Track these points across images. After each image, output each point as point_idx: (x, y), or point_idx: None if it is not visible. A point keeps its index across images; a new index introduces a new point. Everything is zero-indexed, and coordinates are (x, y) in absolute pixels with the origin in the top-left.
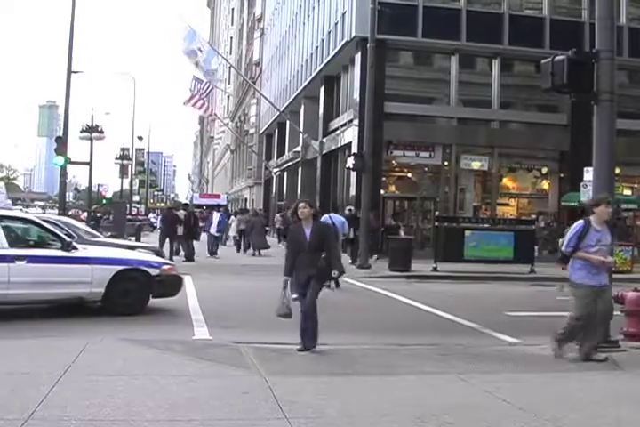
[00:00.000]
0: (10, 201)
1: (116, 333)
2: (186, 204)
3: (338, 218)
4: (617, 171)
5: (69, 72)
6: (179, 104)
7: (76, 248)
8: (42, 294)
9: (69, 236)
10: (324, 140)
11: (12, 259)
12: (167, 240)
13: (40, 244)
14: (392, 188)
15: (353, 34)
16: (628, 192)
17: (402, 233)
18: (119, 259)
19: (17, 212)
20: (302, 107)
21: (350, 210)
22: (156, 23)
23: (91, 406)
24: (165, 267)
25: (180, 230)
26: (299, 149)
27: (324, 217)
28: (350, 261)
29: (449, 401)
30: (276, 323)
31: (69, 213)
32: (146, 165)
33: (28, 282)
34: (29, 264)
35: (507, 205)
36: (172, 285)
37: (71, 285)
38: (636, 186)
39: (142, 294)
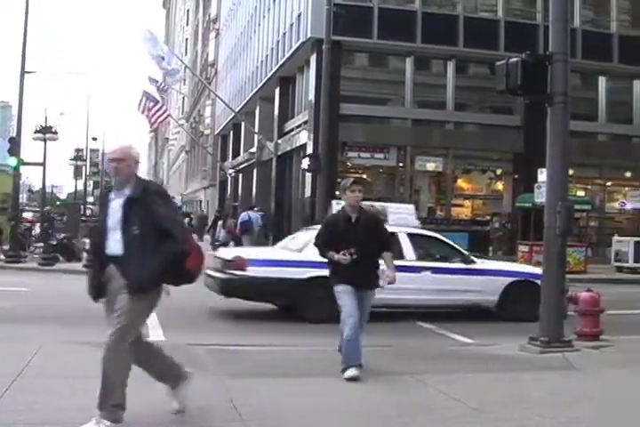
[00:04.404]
0: (418, 221)
1: (67, 335)
2: None
3: (254, 214)
4: (571, 172)
5: (23, 72)
6: (134, 105)
7: (474, 261)
8: (444, 300)
9: None
10: (280, 141)
11: (420, 270)
12: None
13: (443, 257)
14: None
15: (308, 35)
16: (581, 193)
17: None
18: (512, 271)
19: (423, 230)
20: (257, 108)
21: (261, 209)
22: (112, 24)
23: (44, 409)
24: None
25: None
26: (254, 150)
27: (243, 214)
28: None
29: (404, 402)
30: (231, 324)
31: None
32: (100, 167)
33: (433, 289)
34: (434, 275)
35: (461, 206)
36: None
37: (469, 293)
38: (589, 187)
39: (533, 302)
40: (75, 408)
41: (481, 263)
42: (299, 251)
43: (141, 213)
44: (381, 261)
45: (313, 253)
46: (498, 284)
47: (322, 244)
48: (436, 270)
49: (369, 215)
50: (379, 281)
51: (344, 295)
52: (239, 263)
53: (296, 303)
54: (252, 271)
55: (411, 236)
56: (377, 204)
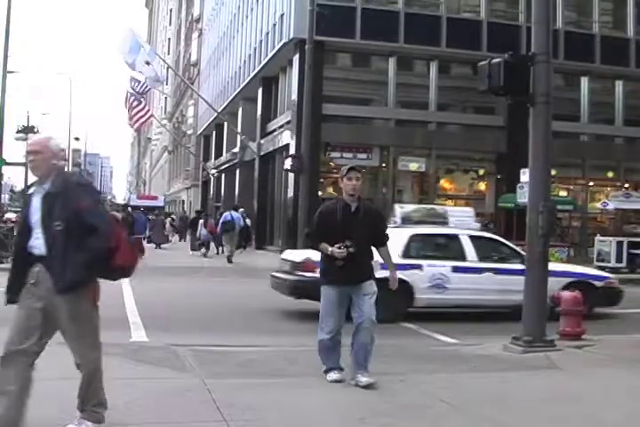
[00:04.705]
0: (478, 224)
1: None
2: (125, 205)
3: (236, 215)
4: (553, 172)
5: (5, 72)
6: (116, 105)
7: None
8: (505, 300)
9: None
10: (262, 141)
11: (481, 271)
12: None
13: (503, 258)
14: (330, 189)
15: (291, 35)
16: (563, 193)
17: None
18: (569, 272)
19: (483, 233)
20: (240, 108)
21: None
22: (95, 24)
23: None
24: (608, 280)
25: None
26: (236, 150)
27: (225, 213)
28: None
29: (389, 402)
30: (213, 325)
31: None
32: (83, 166)
33: (495, 290)
34: (495, 275)
35: (444, 206)
36: (613, 296)
37: None
38: (571, 187)
39: (589, 303)
40: (55, 410)
41: None
42: None
43: (63, 208)
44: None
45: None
46: (555, 284)
47: (315, 235)
48: (497, 271)
49: (369, 206)
50: (373, 272)
51: (330, 303)
52: (308, 265)
53: None
54: None
55: (472, 238)
56: (437, 207)
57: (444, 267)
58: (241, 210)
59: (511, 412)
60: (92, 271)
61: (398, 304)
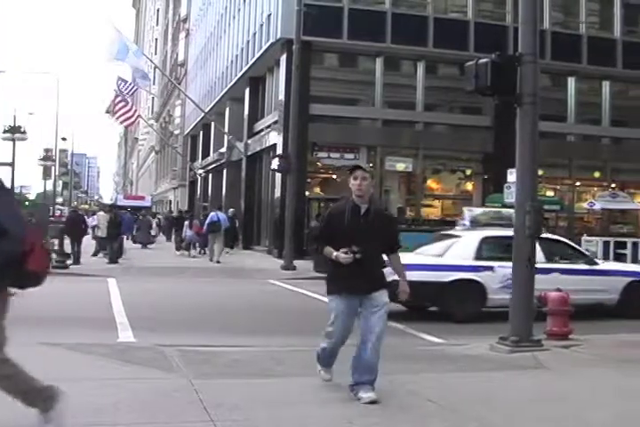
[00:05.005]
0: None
1: (36, 337)
2: (112, 205)
3: (222, 215)
4: (540, 172)
5: None
6: (103, 105)
7: (597, 262)
8: (572, 300)
9: None
10: (249, 141)
11: (549, 271)
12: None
13: (569, 259)
14: (317, 189)
15: (278, 35)
16: (550, 193)
17: None
18: (632, 271)
19: (550, 234)
20: (227, 108)
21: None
22: (82, 23)
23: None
24: None
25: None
26: (223, 150)
27: (211, 214)
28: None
29: (372, 403)
30: (200, 325)
31: None
32: (70, 167)
33: None
34: (562, 276)
35: (431, 206)
36: None
37: (593, 292)
38: (558, 187)
39: None
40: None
41: (603, 264)
42: (439, 256)
43: None
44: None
45: (453, 258)
46: (618, 283)
47: (322, 237)
48: (563, 272)
49: (380, 209)
50: (385, 280)
51: (336, 314)
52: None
53: (439, 305)
54: None
55: (540, 239)
56: (503, 210)
57: None
58: (231, 210)
59: (498, 412)
60: (2, 276)
61: (473, 305)
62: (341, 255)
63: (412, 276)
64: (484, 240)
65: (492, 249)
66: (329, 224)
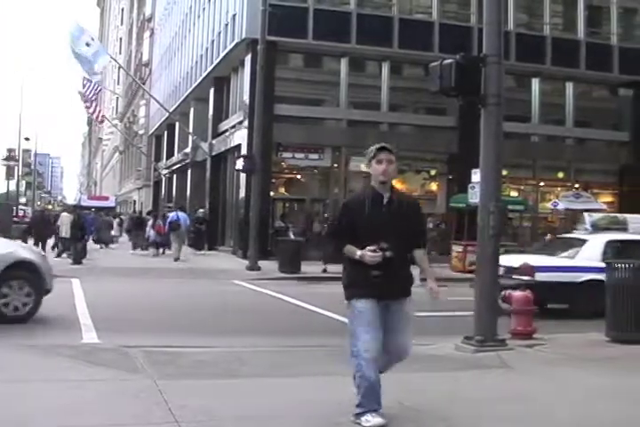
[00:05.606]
0: None
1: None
2: (75, 206)
3: (183, 215)
4: (504, 173)
5: None
6: (66, 105)
7: None
8: None
9: None
10: (214, 141)
11: None
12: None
13: None
14: (281, 189)
15: (243, 35)
16: (514, 194)
17: (291, 235)
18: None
19: None
20: (192, 108)
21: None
22: (45, 23)
23: None
24: None
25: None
26: (188, 150)
27: (172, 214)
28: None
29: (340, 402)
30: (165, 325)
31: None
32: (33, 167)
33: None
34: None
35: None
36: None
37: None
38: (522, 188)
39: None
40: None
41: None
42: (571, 258)
43: None
44: None
45: (583, 260)
46: None
47: (339, 234)
48: None
49: (405, 196)
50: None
51: (364, 324)
52: (527, 269)
53: (571, 303)
54: (538, 277)
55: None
56: (618, 215)
57: None
58: (201, 210)
59: (465, 412)
60: None
61: (601, 303)
62: (368, 254)
63: (549, 277)
64: (609, 243)
65: (616, 252)
66: (346, 217)
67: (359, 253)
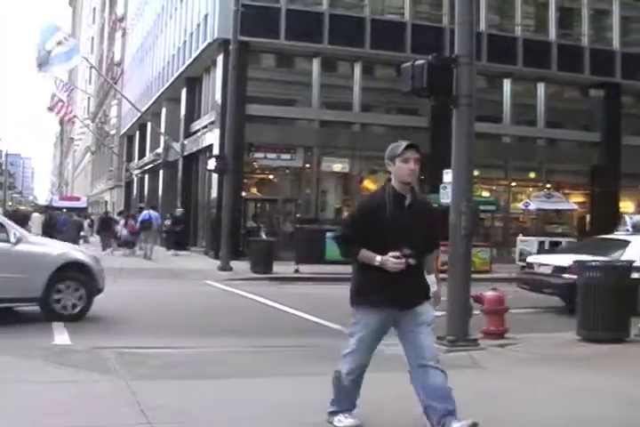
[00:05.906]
0: None
1: None
2: (47, 206)
3: (155, 214)
4: (476, 173)
5: None
6: (38, 104)
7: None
8: None
9: None
10: (186, 141)
11: None
12: None
13: None
14: (253, 189)
15: (215, 35)
16: (486, 194)
17: (263, 235)
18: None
19: None
20: (164, 108)
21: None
22: (15, 21)
23: None
24: None
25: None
26: (160, 150)
27: (144, 213)
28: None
29: (314, 402)
30: (137, 326)
31: None
32: (4, 167)
33: None
34: None
35: None
36: None
37: None
38: (494, 188)
39: None
40: None
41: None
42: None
43: None
44: None
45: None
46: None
47: (354, 237)
48: None
49: (423, 198)
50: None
51: (367, 333)
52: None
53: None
54: None
55: None
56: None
57: None
58: (179, 210)
59: None
60: None
61: None
62: (392, 260)
63: None
64: None
65: None
66: (365, 220)
67: (379, 258)
